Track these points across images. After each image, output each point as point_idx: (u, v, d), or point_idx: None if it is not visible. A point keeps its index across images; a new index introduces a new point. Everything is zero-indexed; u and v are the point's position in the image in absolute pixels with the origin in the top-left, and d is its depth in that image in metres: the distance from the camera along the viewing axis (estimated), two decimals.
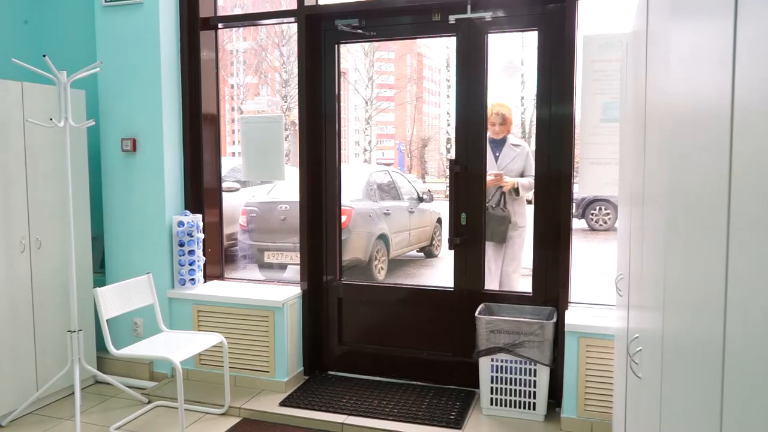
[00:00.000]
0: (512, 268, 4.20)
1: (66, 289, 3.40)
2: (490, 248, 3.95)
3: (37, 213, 3.30)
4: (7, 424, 3.17)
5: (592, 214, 11.42)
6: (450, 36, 3.42)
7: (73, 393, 3.16)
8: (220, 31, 3.89)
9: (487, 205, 3.68)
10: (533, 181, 3.56)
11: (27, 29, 3.88)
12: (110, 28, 3.66)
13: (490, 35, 3.35)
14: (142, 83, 3.62)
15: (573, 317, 3.03)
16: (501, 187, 4.03)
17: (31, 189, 3.27)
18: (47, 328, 3.39)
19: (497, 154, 4.12)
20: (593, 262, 7.63)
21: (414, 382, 3.54)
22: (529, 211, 3.55)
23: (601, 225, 11.33)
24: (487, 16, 3.27)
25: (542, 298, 3.31)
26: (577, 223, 10.40)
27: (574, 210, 3.25)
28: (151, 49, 3.59)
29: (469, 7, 3.28)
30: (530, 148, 3.98)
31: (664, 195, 1.19)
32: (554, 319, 3.08)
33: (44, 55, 3.04)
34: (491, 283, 3.91)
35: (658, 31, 1.37)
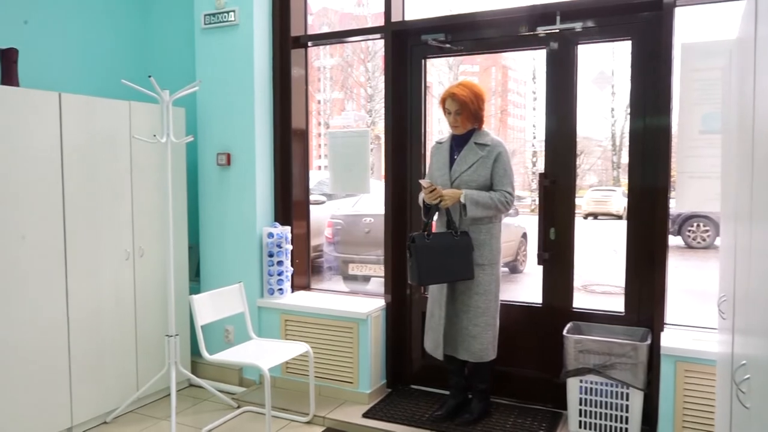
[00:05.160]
0: (469, 330, 3.07)
1: (164, 295, 3.60)
2: (435, 293, 3.18)
3: (140, 223, 3.53)
4: (111, 421, 3.38)
5: (690, 231, 10.82)
6: (539, 49, 3.36)
7: (169, 394, 3.33)
8: (309, 49, 4.02)
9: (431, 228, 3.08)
10: (505, 198, 3.02)
11: (135, 53, 4.17)
12: (208, 48, 3.86)
13: (579, 46, 3.26)
14: (236, 101, 3.79)
15: (669, 339, 2.87)
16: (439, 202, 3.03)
17: (136, 201, 3.50)
18: (147, 331, 3.59)
19: (455, 157, 3.15)
20: (690, 282, 7.21)
21: (497, 400, 3.47)
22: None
23: (699, 242, 10.70)
24: (577, 26, 3.20)
25: (635, 319, 3.16)
26: (673, 240, 9.87)
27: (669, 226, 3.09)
28: (245, 68, 3.76)
29: (558, 18, 3.22)
30: (504, 148, 3.09)
31: None
32: (648, 341, 2.93)
33: (150, 76, 3.26)
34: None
35: (767, 37, 1.29)
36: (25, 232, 2.91)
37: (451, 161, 3.14)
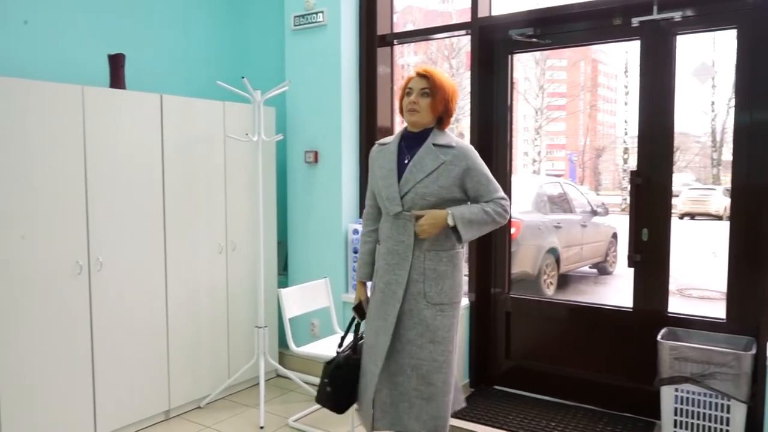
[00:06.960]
0: (420, 390, 2.25)
1: (255, 288, 3.74)
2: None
3: (233, 219, 3.68)
4: (205, 406, 3.56)
5: None
6: (632, 40, 3.22)
7: (258, 384, 3.46)
8: (394, 47, 4.04)
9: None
10: (502, 207, 2.29)
11: (229, 55, 4.35)
12: (297, 49, 3.97)
13: (678, 37, 3.09)
14: (324, 99, 3.88)
15: None
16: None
17: (229, 197, 3.65)
18: (238, 323, 3.75)
19: (405, 162, 2.32)
20: None
21: (584, 405, 3.36)
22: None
23: None
24: (677, 16, 3.03)
25: (737, 326, 2.96)
26: None
27: None
28: (333, 67, 3.83)
29: (655, 7, 3.06)
30: (474, 151, 2.32)
31: None
32: (753, 351, 2.74)
33: (243, 77, 3.39)
34: None
35: None
36: (113, 229, 3.11)
37: (400, 168, 2.33)
